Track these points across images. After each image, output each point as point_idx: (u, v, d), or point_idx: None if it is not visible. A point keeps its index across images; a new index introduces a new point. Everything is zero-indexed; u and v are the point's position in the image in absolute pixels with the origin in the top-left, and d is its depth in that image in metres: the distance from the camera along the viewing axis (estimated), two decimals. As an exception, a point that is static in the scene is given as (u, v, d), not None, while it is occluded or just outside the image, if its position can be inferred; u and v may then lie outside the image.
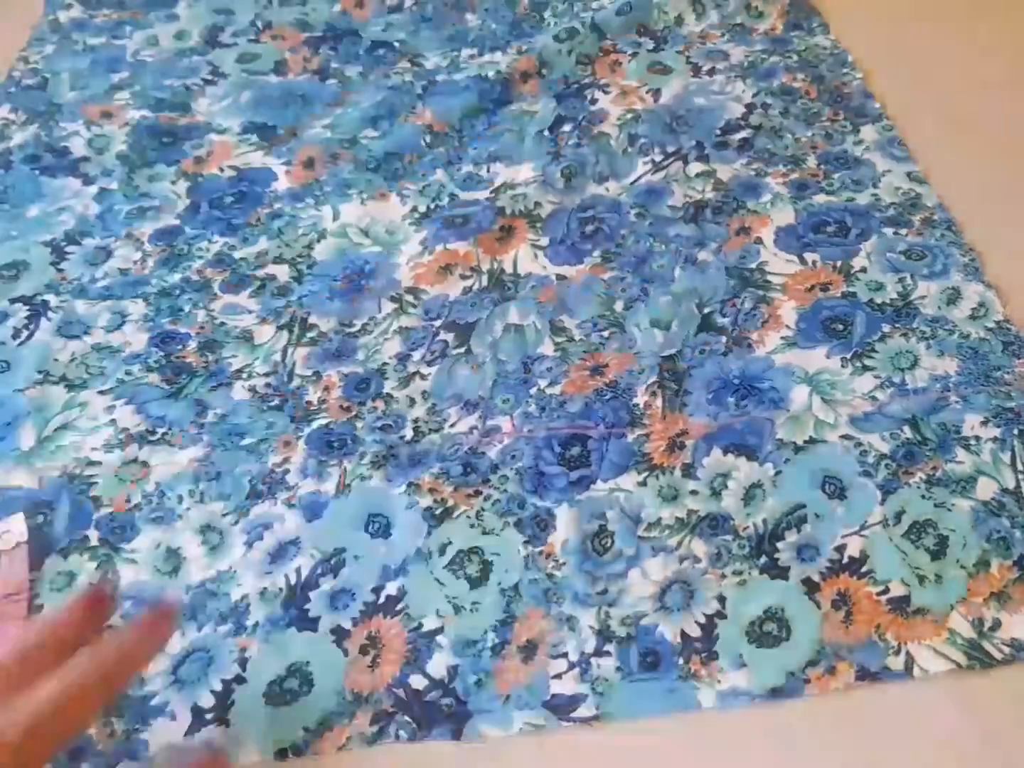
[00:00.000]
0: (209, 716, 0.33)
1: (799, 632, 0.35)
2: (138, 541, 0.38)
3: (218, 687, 0.34)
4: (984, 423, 0.40)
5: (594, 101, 0.57)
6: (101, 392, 0.43)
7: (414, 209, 0.51)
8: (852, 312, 0.45)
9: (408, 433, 0.42)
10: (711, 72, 0.59)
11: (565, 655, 0.35)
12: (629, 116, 0.55)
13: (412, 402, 0.43)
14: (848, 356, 0.43)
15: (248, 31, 0.60)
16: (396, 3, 0.63)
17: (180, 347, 0.45)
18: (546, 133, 0.54)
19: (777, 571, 0.37)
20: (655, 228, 0.49)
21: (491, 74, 0.57)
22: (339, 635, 0.35)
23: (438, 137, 0.54)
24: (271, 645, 0.35)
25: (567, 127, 0.55)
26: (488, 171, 0.53)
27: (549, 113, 0.56)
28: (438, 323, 0.46)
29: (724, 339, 0.44)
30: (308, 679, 0.34)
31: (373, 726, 0.33)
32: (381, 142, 0.54)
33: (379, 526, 0.38)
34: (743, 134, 0.54)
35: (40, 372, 0.44)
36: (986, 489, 0.39)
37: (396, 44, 0.59)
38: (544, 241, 0.49)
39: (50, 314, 0.46)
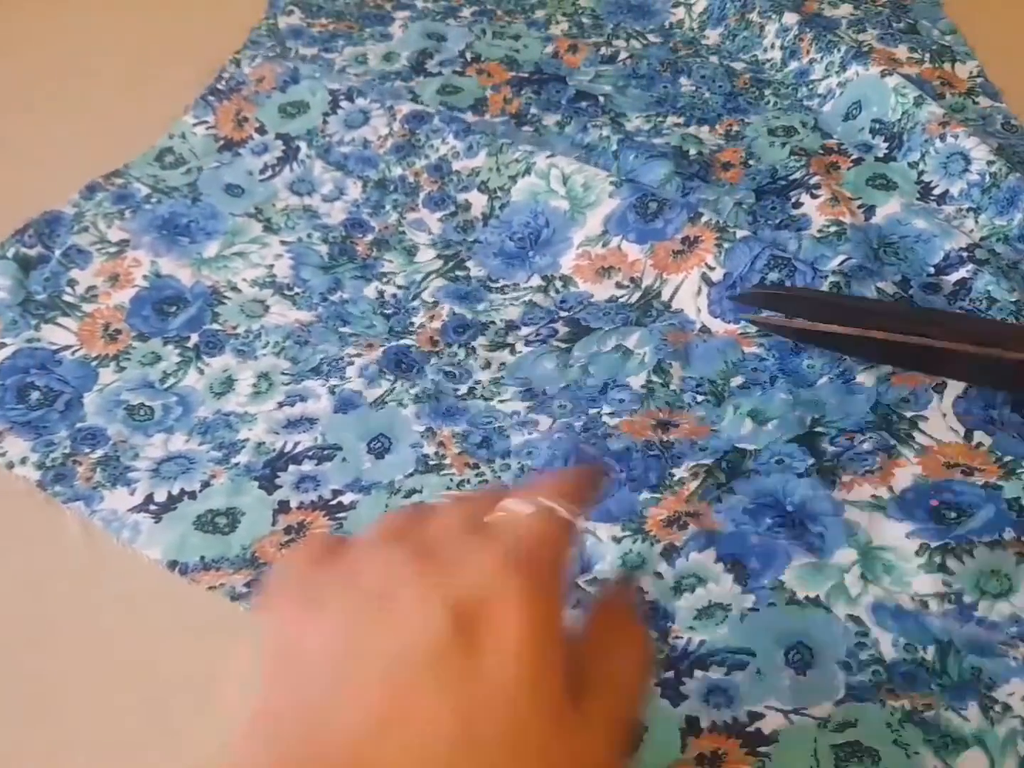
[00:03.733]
0: (153, 508, 0.39)
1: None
2: (215, 359, 0.44)
3: (176, 491, 0.39)
4: None
5: (798, 205, 0.49)
6: (283, 242, 0.50)
7: (613, 181, 0.49)
8: (979, 504, 0.37)
9: (463, 389, 0.43)
10: (942, 199, 0.50)
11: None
12: (833, 229, 0.47)
13: (487, 365, 0.44)
14: (933, 545, 0.36)
15: (455, 62, 0.59)
16: (610, 54, 0.60)
17: (360, 234, 0.50)
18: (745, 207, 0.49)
19: (671, 694, 0.33)
20: None
21: (692, 151, 0.52)
22: (281, 508, 0.39)
23: None
24: (231, 485, 0.39)
25: (764, 221, 0.49)
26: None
27: (747, 203, 0.49)
28: (564, 313, 0.46)
29: (812, 462, 0.39)
30: (235, 525, 0.38)
31: (244, 588, 0.36)
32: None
33: (379, 446, 0.41)
34: (962, 273, 0.45)
35: (257, 209, 0.51)
36: (969, 765, 0.31)
37: (600, 98, 0.56)
38: (719, 274, 0.45)
39: (294, 165, 0.53)
